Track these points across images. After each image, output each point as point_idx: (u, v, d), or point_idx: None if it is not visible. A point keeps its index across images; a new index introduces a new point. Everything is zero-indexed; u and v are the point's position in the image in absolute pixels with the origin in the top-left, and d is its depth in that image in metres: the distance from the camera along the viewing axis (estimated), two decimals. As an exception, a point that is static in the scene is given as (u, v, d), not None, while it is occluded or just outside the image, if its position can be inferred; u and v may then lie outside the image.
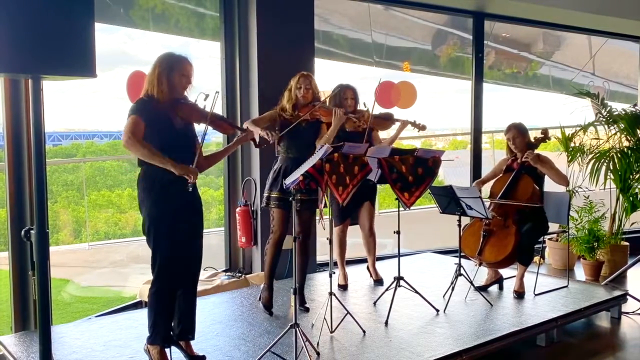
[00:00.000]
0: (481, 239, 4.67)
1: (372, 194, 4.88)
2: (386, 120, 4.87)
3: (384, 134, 5.08)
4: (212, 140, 6.20)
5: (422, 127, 4.88)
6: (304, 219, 4.24)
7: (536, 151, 4.71)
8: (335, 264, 4.92)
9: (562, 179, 4.64)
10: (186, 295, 3.35)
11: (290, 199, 3.62)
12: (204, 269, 5.19)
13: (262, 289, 4.35)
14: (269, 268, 4.28)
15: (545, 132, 4.83)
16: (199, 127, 3.40)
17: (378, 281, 4.93)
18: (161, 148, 3.12)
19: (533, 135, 4.87)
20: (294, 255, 3.66)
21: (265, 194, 4.26)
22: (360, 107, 4.78)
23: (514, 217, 4.63)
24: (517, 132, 4.72)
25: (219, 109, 5.47)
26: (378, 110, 4.87)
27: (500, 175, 4.84)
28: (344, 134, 4.49)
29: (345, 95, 4.70)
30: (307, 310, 4.27)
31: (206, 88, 3.21)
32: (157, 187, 3.14)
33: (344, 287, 4.89)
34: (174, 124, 3.22)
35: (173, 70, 3.20)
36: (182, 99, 3.27)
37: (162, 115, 3.18)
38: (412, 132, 5.08)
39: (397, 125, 4.87)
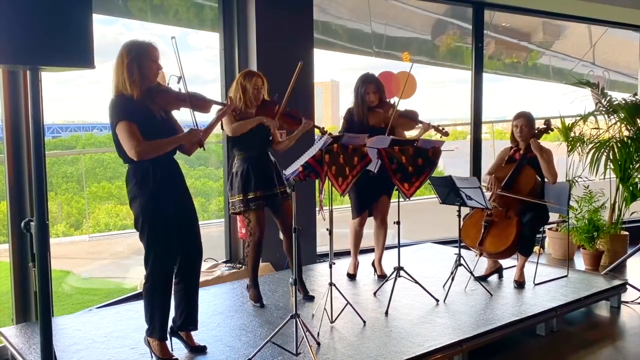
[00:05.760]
0: (482, 230, 4.66)
1: (390, 187, 4.64)
2: (410, 120, 4.68)
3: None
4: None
5: (445, 133, 4.62)
6: (289, 210, 4.08)
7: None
8: (348, 253, 4.93)
9: (552, 175, 4.60)
10: (188, 287, 3.35)
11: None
12: (205, 260, 5.19)
13: (247, 287, 4.33)
14: (252, 268, 4.22)
15: (547, 122, 4.81)
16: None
17: (382, 277, 4.79)
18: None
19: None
20: (294, 246, 3.64)
21: (238, 198, 4.05)
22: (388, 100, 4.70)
23: (516, 208, 4.62)
24: (527, 120, 4.70)
25: (217, 99, 5.45)
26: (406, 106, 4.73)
27: (503, 165, 4.81)
28: (368, 129, 4.38)
29: (367, 90, 4.61)
30: (311, 298, 4.29)
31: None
32: (150, 182, 3.08)
33: (352, 277, 4.86)
34: (155, 116, 3.12)
35: (141, 57, 3.06)
36: (156, 87, 3.16)
37: (142, 110, 3.07)
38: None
39: (418, 127, 4.69)
